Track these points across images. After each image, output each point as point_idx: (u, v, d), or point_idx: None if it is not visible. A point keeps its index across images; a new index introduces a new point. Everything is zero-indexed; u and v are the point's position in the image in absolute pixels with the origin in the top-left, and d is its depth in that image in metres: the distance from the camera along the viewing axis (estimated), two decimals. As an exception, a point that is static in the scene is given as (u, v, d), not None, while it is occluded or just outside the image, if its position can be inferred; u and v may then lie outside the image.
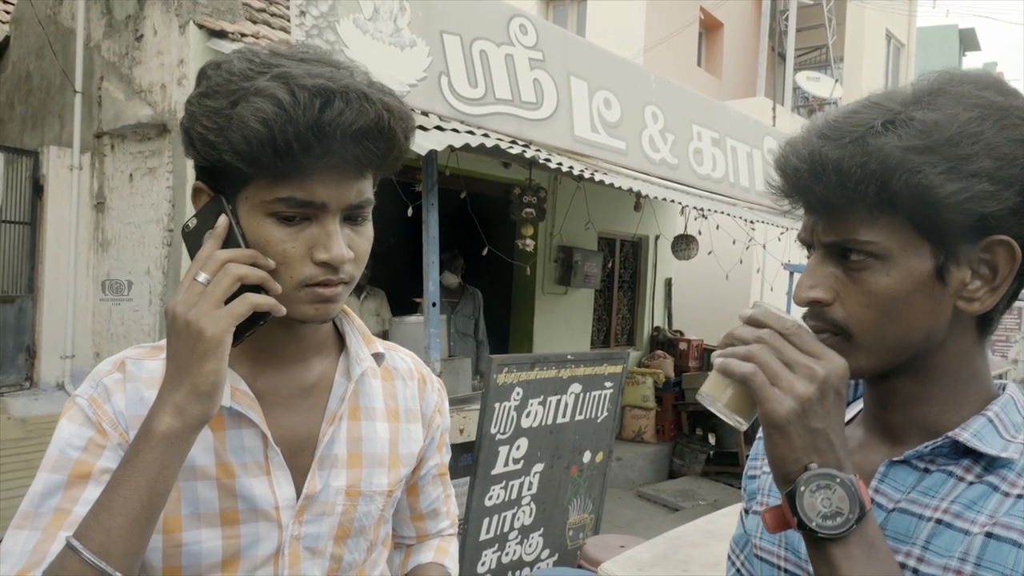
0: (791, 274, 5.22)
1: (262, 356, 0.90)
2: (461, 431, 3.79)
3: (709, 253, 5.70)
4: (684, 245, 6.08)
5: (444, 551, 1.14)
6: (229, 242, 0.80)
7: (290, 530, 0.89)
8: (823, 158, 0.67)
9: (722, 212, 4.65)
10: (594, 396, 3.71)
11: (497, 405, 3.19)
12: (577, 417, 3.64)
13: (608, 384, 3.77)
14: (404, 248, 5.54)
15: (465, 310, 5.30)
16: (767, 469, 0.86)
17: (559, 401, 3.52)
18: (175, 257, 4.24)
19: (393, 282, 5.40)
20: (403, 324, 4.11)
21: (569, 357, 3.53)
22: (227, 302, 0.76)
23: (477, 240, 4.16)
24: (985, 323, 0.71)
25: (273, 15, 4.88)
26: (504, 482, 3.35)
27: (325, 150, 0.76)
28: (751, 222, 4.99)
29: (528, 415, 3.37)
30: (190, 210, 4.31)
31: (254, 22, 4.64)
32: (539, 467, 3.50)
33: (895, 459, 0.71)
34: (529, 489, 3.49)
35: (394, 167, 0.87)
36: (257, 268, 0.78)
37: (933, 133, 0.63)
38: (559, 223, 5.97)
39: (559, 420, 3.54)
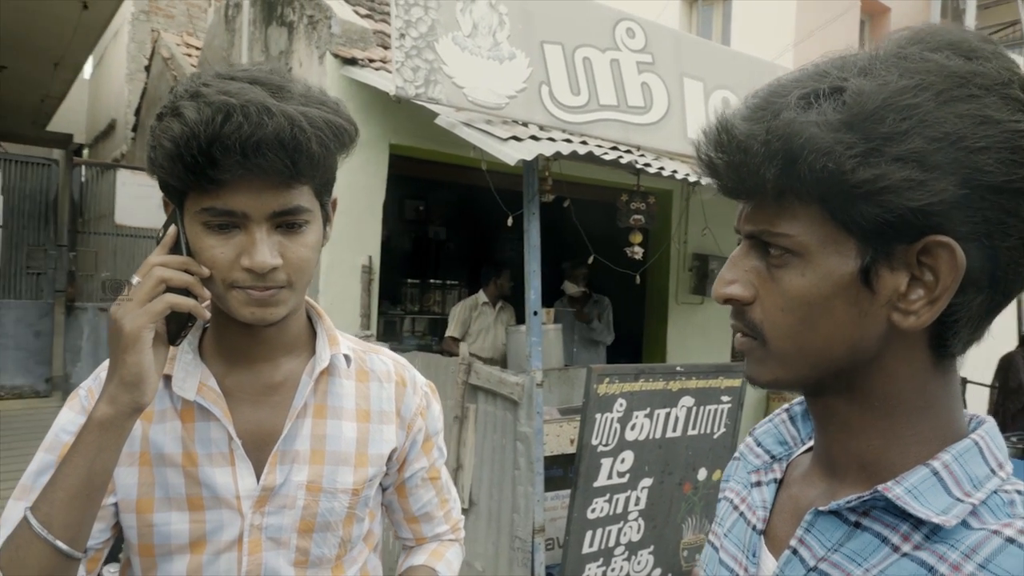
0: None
1: (233, 356, 0.97)
2: (572, 441, 3.77)
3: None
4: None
5: (439, 555, 1.15)
6: (176, 250, 0.87)
7: (250, 519, 0.94)
8: (731, 133, 0.57)
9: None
10: (709, 410, 3.52)
11: (598, 416, 3.13)
12: (690, 432, 3.48)
13: (725, 398, 3.56)
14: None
15: (591, 317, 5.25)
16: (729, 495, 0.76)
17: (668, 414, 3.38)
18: (316, 269, 4.59)
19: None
20: (517, 333, 4.17)
21: (679, 369, 3.38)
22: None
23: (596, 248, 4.12)
24: (939, 344, 0.57)
25: (405, 40, 5.17)
26: (608, 495, 3.27)
27: (232, 162, 0.81)
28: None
29: (633, 427, 3.27)
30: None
31: (385, 48, 4.95)
32: (647, 482, 3.38)
33: (822, 509, 0.59)
34: (636, 504, 3.38)
35: (318, 174, 0.89)
36: (188, 274, 0.85)
37: (855, 106, 0.52)
38: (691, 230, 5.75)
39: (669, 434, 3.40)
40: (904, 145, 0.51)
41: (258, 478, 0.95)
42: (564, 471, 3.72)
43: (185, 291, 0.85)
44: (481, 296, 4.90)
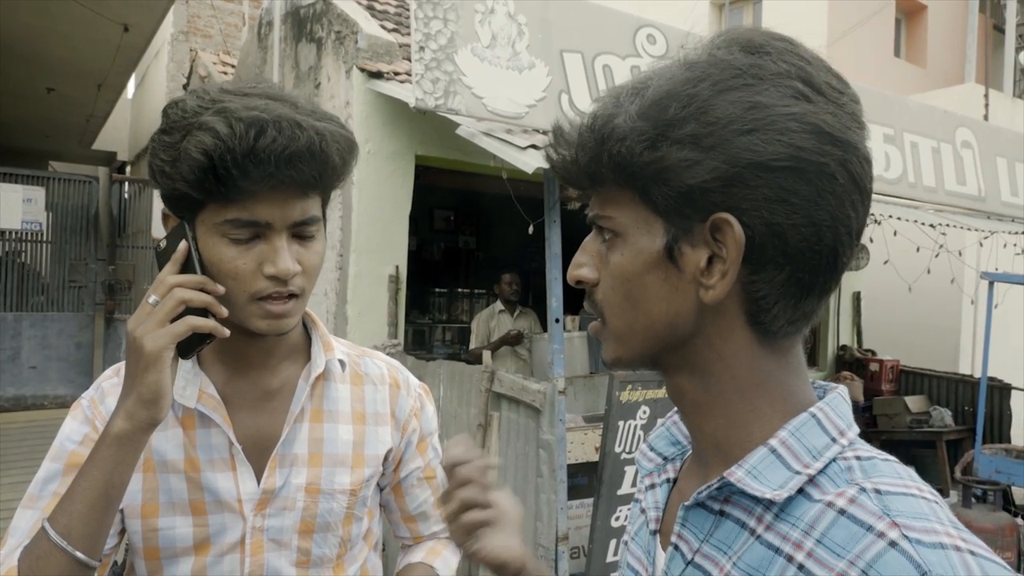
0: (991, 285, 4.47)
1: (233, 363, 0.99)
2: (597, 449, 3.75)
3: (885, 263, 5.08)
4: (858, 255, 5.47)
5: (436, 553, 1.17)
6: (188, 265, 0.89)
7: (252, 521, 0.97)
8: (563, 128, 0.64)
9: (898, 217, 4.14)
10: (736, 418, 3.47)
11: (621, 423, 3.12)
12: (717, 440, 3.43)
13: (753, 406, 3.51)
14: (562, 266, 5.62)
15: (617, 327, 5.23)
16: (639, 497, 0.77)
17: (693, 422, 3.34)
18: (344, 279, 4.68)
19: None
20: (541, 340, 4.17)
21: (703, 376, 3.35)
22: (175, 321, 0.85)
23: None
24: (756, 322, 0.59)
25: (430, 52, 5.24)
26: (632, 503, 3.24)
27: (262, 174, 0.84)
28: (938, 226, 4.36)
29: (657, 435, 3.24)
30: (357, 237, 4.69)
31: (411, 60, 5.02)
32: (673, 490, 3.35)
33: (687, 504, 0.62)
34: (662, 513, 3.35)
35: (334, 185, 0.94)
36: (205, 293, 0.86)
37: (647, 98, 0.59)
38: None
39: (695, 442, 3.36)
40: (682, 129, 0.56)
41: (258, 481, 0.97)
42: (589, 479, 3.70)
43: (202, 310, 0.87)
44: (498, 305, 4.94)
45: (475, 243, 8.19)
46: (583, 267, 0.66)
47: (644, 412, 3.17)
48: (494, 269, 7.67)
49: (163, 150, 0.88)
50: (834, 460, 0.57)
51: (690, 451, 0.73)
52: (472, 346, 4.87)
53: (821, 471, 0.56)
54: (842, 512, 0.53)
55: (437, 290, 7.38)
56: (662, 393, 3.24)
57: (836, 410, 0.60)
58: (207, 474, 0.96)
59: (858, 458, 0.57)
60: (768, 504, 0.57)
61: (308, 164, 0.86)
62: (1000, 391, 5.41)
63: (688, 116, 0.56)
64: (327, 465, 1.01)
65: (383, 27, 5.03)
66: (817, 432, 0.58)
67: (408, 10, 5.96)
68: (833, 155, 0.56)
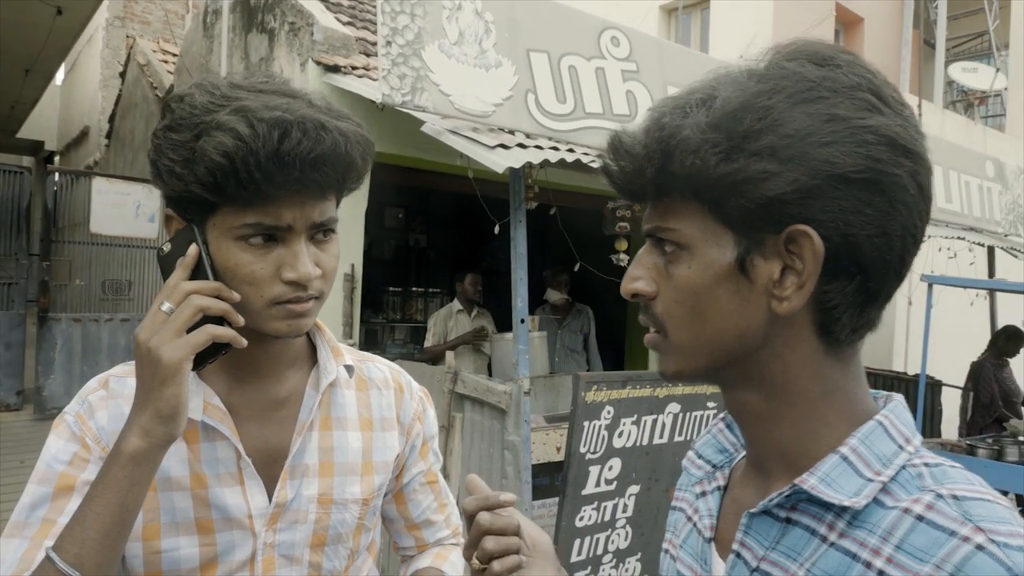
0: (930, 287, 4.69)
1: (237, 371, 0.94)
2: (559, 449, 3.76)
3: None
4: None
5: (443, 557, 1.14)
6: (198, 270, 0.84)
7: (263, 538, 0.92)
8: (622, 140, 0.63)
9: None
10: (695, 417, 3.53)
11: (586, 424, 3.13)
12: (676, 439, 3.48)
13: (712, 404, 3.58)
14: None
15: (573, 326, 5.26)
16: (683, 505, 0.77)
17: (655, 421, 3.39)
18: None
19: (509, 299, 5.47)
20: (502, 340, 4.16)
21: (665, 375, 3.39)
22: (190, 331, 0.80)
23: (581, 255, 4.13)
24: (825, 331, 0.60)
25: (387, 47, 5.14)
26: (596, 503, 3.26)
27: (286, 177, 0.80)
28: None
29: (621, 435, 3.27)
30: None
31: (367, 55, 4.92)
32: (634, 489, 3.38)
33: (753, 511, 0.62)
34: (624, 511, 3.38)
35: (354, 186, 0.92)
36: (221, 300, 0.82)
37: (719, 110, 0.58)
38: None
39: (656, 441, 3.41)
40: (759, 141, 0.56)
41: (268, 495, 0.93)
42: (550, 479, 3.71)
43: (218, 318, 0.82)
44: (455, 304, 4.89)
45: (426, 241, 8.10)
46: (639, 280, 0.65)
47: (608, 412, 3.19)
48: (446, 268, 7.63)
49: (172, 149, 0.82)
50: (903, 467, 0.58)
51: (737, 458, 0.73)
52: (426, 345, 4.81)
53: (892, 478, 0.57)
54: (920, 518, 0.53)
55: (390, 289, 7.26)
56: (626, 393, 3.27)
57: (900, 418, 0.61)
58: (215, 490, 0.90)
59: (927, 465, 0.58)
60: (840, 511, 0.57)
61: (333, 167, 0.83)
62: (932, 388, 5.69)
63: (764, 128, 0.56)
64: (338, 474, 0.98)
65: (338, 19, 4.91)
66: (885, 440, 0.59)
67: (363, 3, 5.85)
68: (905, 166, 0.57)
